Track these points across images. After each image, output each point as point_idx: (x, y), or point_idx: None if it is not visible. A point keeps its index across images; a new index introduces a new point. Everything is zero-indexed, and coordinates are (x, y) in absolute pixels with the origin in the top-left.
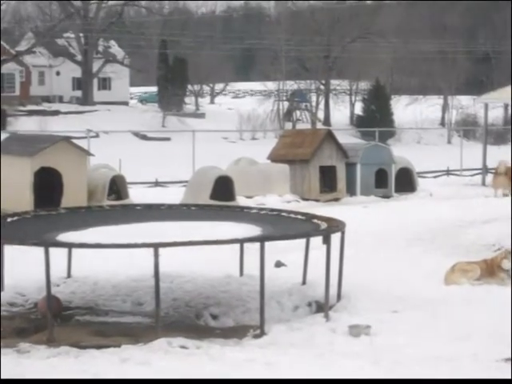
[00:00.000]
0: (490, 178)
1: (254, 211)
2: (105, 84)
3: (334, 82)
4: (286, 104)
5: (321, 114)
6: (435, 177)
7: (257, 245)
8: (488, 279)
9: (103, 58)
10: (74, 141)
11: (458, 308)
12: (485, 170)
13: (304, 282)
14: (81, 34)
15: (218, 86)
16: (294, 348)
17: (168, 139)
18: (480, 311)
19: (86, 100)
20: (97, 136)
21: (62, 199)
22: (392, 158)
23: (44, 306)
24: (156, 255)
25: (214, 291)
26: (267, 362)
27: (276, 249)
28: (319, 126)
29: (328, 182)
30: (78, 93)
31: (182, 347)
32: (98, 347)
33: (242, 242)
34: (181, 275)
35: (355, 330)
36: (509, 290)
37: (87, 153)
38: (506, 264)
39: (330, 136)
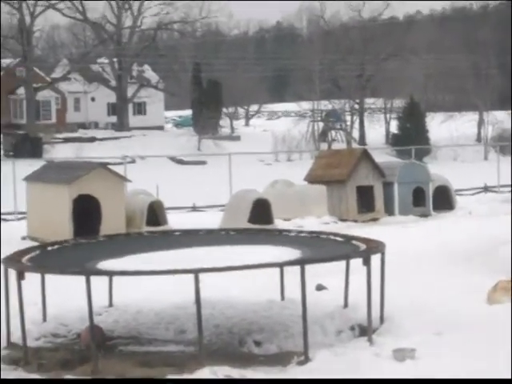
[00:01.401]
0: None
1: (293, 234)
2: (140, 109)
3: (369, 101)
4: (321, 124)
5: (356, 134)
6: (473, 194)
7: (297, 268)
8: None
9: (137, 82)
10: (111, 167)
11: (501, 328)
12: None
13: (346, 305)
14: (114, 60)
15: (253, 108)
16: (339, 374)
17: (204, 163)
18: None
19: (121, 125)
20: (133, 161)
21: (100, 226)
22: (429, 176)
23: (87, 336)
24: (197, 281)
25: (256, 316)
26: None
27: (316, 272)
28: (354, 145)
29: (365, 202)
30: (113, 118)
31: (227, 376)
32: (143, 378)
33: (282, 265)
34: (222, 301)
35: (400, 354)
36: None
37: (124, 179)
38: None
39: (365, 155)
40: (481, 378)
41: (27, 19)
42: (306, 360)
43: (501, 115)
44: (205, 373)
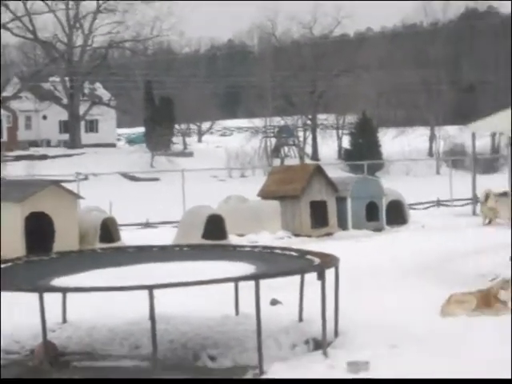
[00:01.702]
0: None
1: (247, 249)
2: (92, 126)
3: (321, 117)
4: (274, 140)
5: (308, 149)
6: (425, 208)
7: (251, 283)
8: (484, 310)
9: (89, 100)
10: (63, 184)
11: (455, 340)
12: (474, 199)
13: (301, 319)
14: (66, 78)
15: (205, 125)
16: None
17: (157, 179)
18: (478, 343)
19: (73, 143)
20: (86, 178)
21: (53, 244)
22: (382, 191)
23: (40, 352)
24: (151, 297)
25: (211, 331)
26: None
27: (270, 286)
28: (307, 161)
29: (319, 217)
30: (66, 136)
31: None
32: None
33: (236, 280)
34: (176, 316)
35: (354, 367)
36: (506, 320)
37: (77, 196)
38: (503, 295)
39: (319, 171)
40: (481, 378)
41: None
42: (261, 373)
43: (452, 130)
44: None
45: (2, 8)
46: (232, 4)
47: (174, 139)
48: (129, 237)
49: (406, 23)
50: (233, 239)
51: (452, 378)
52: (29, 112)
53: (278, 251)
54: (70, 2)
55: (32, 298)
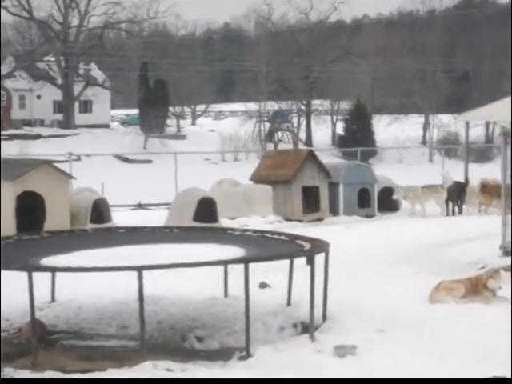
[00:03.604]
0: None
1: (238, 232)
2: (86, 107)
3: (316, 103)
4: (268, 125)
5: (302, 135)
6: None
7: (241, 266)
8: (472, 298)
9: (84, 81)
10: (56, 164)
11: (443, 326)
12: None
13: (289, 303)
14: (61, 58)
15: (200, 108)
16: (280, 369)
17: (150, 161)
18: (465, 329)
19: (67, 123)
20: (79, 159)
21: (44, 223)
22: (374, 178)
23: (28, 330)
24: (140, 278)
25: (199, 313)
26: None
27: (260, 270)
28: (301, 146)
29: (311, 202)
30: (59, 116)
31: (168, 370)
32: (83, 371)
33: (225, 263)
34: (165, 298)
35: (341, 351)
36: (493, 309)
37: (69, 176)
38: (492, 283)
39: (311, 156)
40: (481, 378)
41: None
42: (248, 355)
43: (446, 118)
44: (146, 366)
45: None
46: None
47: (168, 122)
48: (120, 218)
49: (402, 11)
50: (224, 222)
51: (452, 378)
52: (23, 91)
53: (268, 235)
54: None
55: (22, 277)
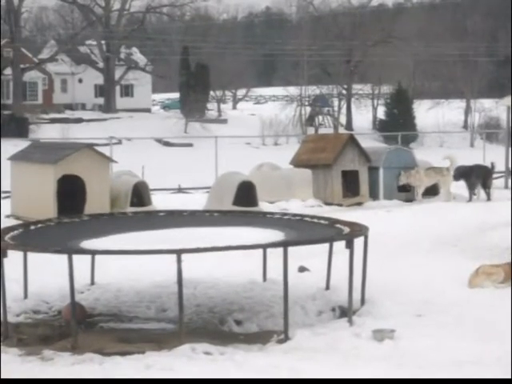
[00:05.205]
0: None
1: (277, 216)
2: (127, 91)
3: (356, 87)
4: (309, 109)
5: (343, 119)
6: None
7: (280, 250)
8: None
9: (125, 65)
10: (97, 148)
11: (481, 311)
12: (507, 172)
13: (328, 287)
14: (103, 42)
15: (240, 92)
16: (318, 353)
17: (190, 145)
18: (504, 314)
19: (108, 107)
20: (119, 143)
21: (84, 206)
22: (415, 162)
23: (68, 313)
24: (179, 261)
25: (238, 297)
26: (291, 368)
27: (299, 254)
28: (341, 130)
29: (351, 186)
30: (101, 100)
31: (206, 353)
32: (122, 354)
33: (265, 247)
34: (204, 281)
35: (379, 335)
36: None
37: (110, 160)
38: None
39: (352, 140)
40: (481, 378)
41: (15, 0)
42: (286, 339)
43: (488, 103)
44: (184, 349)
45: None
46: None
47: (209, 106)
48: (160, 201)
49: None
50: (263, 206)
51: (452, 378)
52: (65, 75)
53: (307, 219)
54: None
55: (62, 259)
